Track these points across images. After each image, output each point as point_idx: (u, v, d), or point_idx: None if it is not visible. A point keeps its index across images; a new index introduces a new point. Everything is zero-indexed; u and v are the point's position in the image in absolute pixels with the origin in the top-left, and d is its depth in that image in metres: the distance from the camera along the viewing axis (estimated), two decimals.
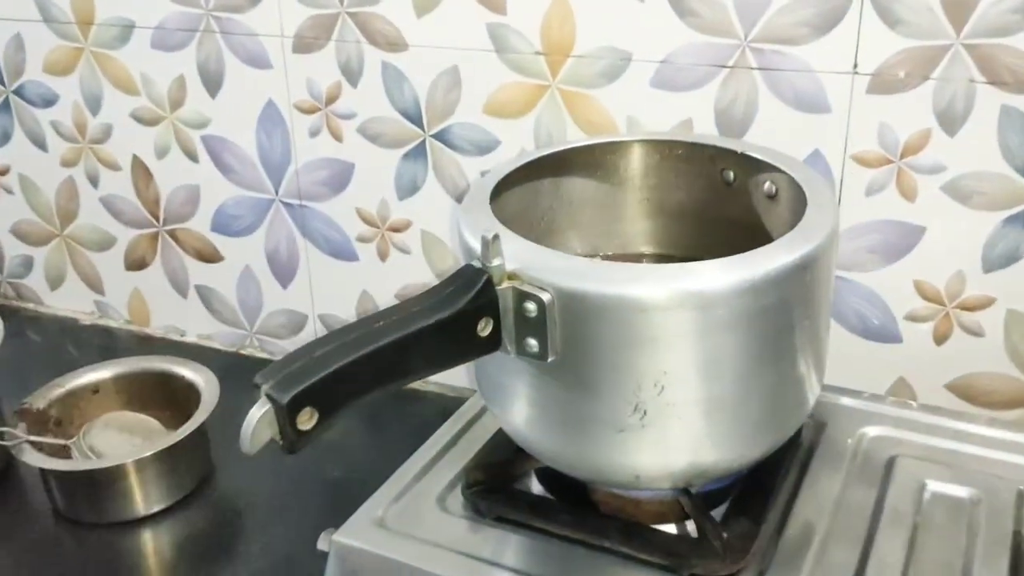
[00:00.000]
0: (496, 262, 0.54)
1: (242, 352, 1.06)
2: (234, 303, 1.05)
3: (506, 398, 0.61)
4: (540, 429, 0.60)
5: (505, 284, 0.54)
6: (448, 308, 0.52)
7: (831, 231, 0.58)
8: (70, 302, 1.16)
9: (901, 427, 0.70)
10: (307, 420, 0.48)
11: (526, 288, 0.54)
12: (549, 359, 0.55)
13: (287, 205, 0.97)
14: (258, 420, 0.47)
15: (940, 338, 0.76)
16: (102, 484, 0.80)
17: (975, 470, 0.66)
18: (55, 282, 1.15)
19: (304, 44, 0.89)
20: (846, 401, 0.73)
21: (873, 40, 0.70)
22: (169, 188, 1.02)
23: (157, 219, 1.05)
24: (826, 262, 0.59)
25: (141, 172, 1.03)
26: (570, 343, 0.55)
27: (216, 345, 1.08)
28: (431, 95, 0.86)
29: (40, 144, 1.07)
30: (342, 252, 0.96)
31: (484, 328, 0.54)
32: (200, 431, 0.83)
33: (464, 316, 0.53)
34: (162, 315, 1.10)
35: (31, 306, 1.18)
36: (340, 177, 0.93)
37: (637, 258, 0.75)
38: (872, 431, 0.70)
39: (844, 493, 0.65)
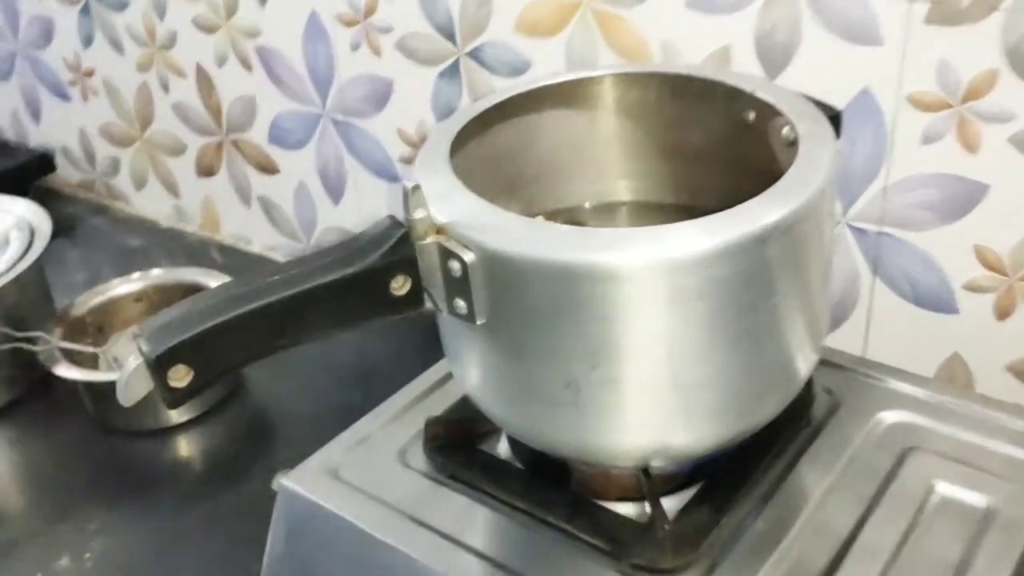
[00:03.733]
0: (419, 214, 0.49)
1: None
2: (292, 217, 1.04)
3: (454, 355, 0.57)
4: (485, 392, 0.55)
5: (430, 239, 0.49)
6: (355, 263, 0.48)
7: (823, 181, 0.50)
8: (153, 204, 1.18)
9: (927, 414, 0.61)
10: (180, 378, 0.45)
11: (451, 246, 0.49)
12: (478, 322, 0.50)
13: (334, 121, 0.94)
14: (131, 373, 0.45)
15: (1002, 313, 0.66)
16: None
17: (1003, 474, 0.57)
18: (139, 183, 1.18)
19: None
20: (873, 377, 0.65)
21: None
22: (229, 98, 1.01)
23: (221, 127, 1.04)
24: (816, 220, 0.50)
25: (204, 80, 1.02)
26: (497, 308, 0.49)
27: (279, 257, 1.08)
28: (464, 8, 0.80)
29: (118, 47, 1.08)
30: (385, 172, 0.93)
31: (400, 287, 0.49)
32: None
33: (374, 272, 0.48)
34: (231, 223, 1.11)
35: (120, 205, 1.22)
36: (380, 94, 0.89)
37: (648, 207, 0.68)
38: (892, 416, 0.62)
39: (835, 487, 0.57)
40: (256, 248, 1.10)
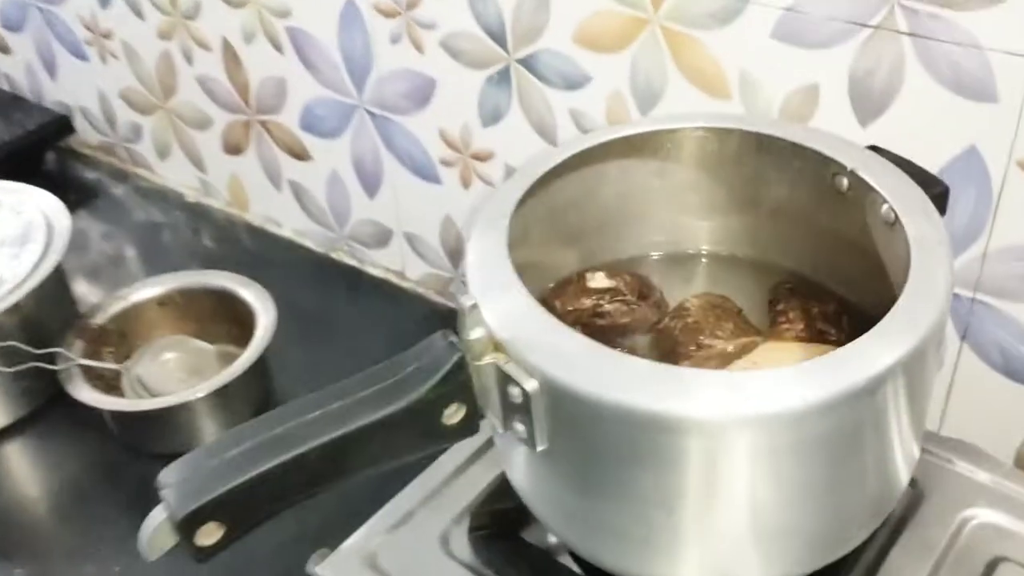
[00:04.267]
0: (475, 335, 0.44)
1: (332, 255, 1.00)
2: (324, 205, 0.98)
3: (509, 464, 0.51)
4: (541, 508, 0.51)
5: (488, 359, 0.44)
6: (405, 396, 0.43)
7: (940, 313, 0.44)
8: (178, 175, 1.12)
9: (1016, 514, 0.56)
10: (210, 534, 0.41)
11: (510, 370, 0.43)
12: (538, 449, 0.45)
13: (370, 114, 0.87)
14: (154, 529, 0.40)
15: None
16: (147, 420, 0.77)
17: None
18: (163, 152, 1.12)
19: None
20: (959, 466, 0.59)
21: None
22: (258, 77, 0.94)
23: (249, 106, 0.97)
24: (934, 344, 0.44)
25: (231, 56, 0.95)
26: (561, 439, 0.44)
27: (309, 244, 1.02)
28: (517, 13, 0.72)
29: (138, 12, 1.01)
30: (425, 172, 0.87)
31: (453, 415, 0.44)
32: (256, 364, 0.79)
33: (425, 404, 0.43)
34: (260, 203, 1.05)
35: (143, 172, 1.16)
36: (422, 92, 0.82)
37: (720, 260, 0.62)
38: (981, 515, 0.57)
39: None
40: (286, 232, 1.04)
